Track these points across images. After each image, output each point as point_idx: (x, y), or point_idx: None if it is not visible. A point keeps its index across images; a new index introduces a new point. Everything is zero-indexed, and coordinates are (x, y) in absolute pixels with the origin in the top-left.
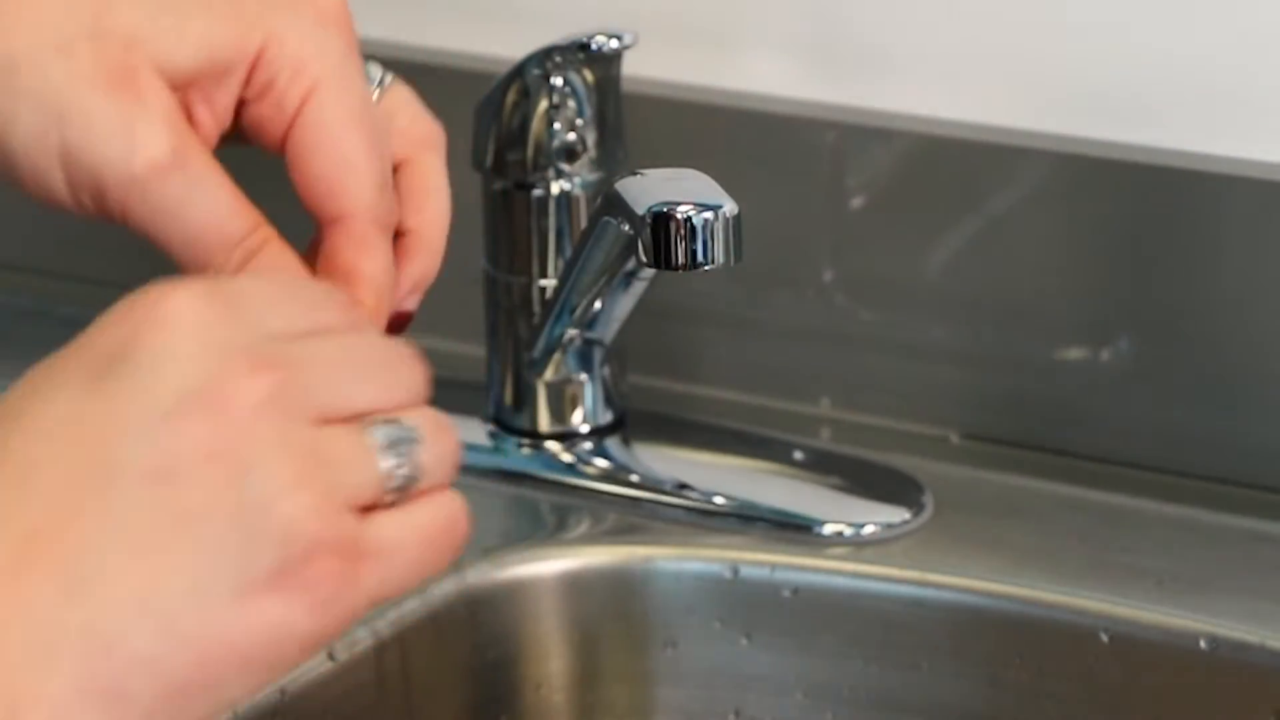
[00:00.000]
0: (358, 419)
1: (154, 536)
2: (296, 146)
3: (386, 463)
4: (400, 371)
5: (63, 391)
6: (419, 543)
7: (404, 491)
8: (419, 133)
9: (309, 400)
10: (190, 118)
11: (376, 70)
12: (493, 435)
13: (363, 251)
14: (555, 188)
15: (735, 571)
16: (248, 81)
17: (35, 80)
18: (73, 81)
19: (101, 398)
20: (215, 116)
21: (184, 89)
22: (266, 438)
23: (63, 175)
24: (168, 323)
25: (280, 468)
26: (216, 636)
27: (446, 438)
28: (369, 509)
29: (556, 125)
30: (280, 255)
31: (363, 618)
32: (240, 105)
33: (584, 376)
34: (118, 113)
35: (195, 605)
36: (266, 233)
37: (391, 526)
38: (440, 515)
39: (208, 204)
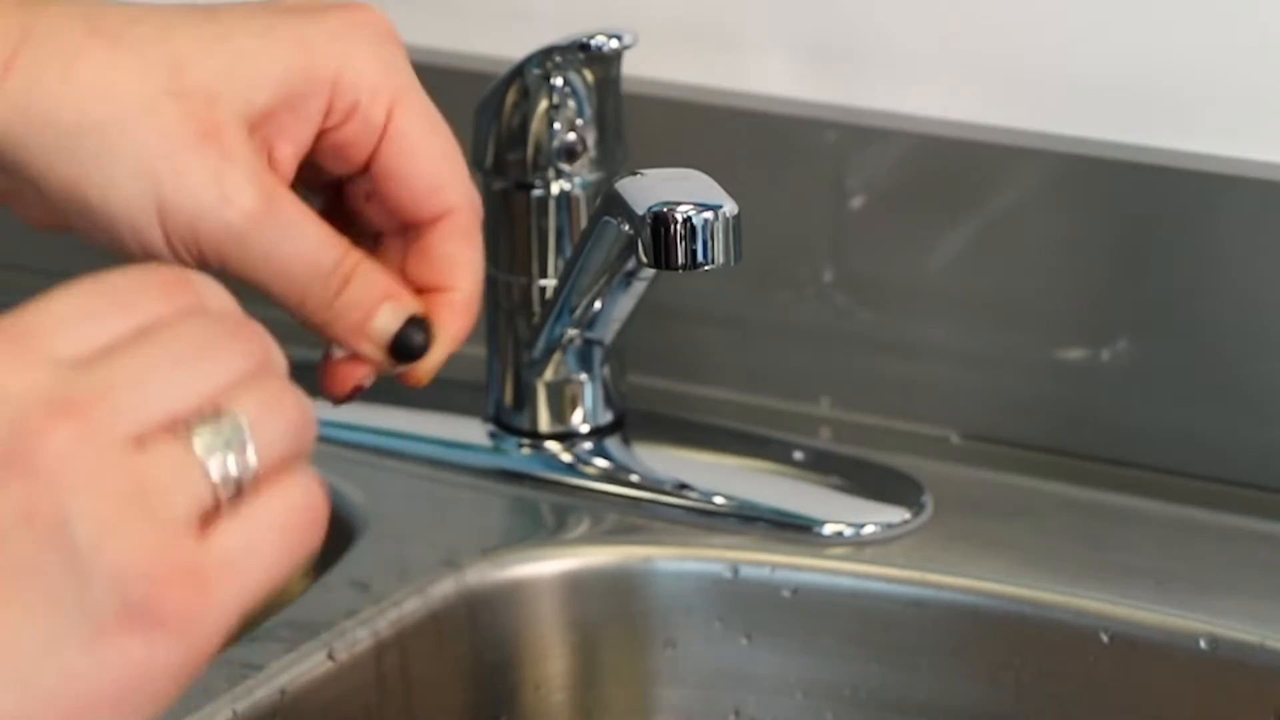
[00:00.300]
0: (179, 423)
1: None
2: (390, 158)
3: (216, 469)
4: (222, 349)
5: None
6: (271, 539)
7: (242, 488)
8: None
9: (118, 426)
10: (272, 155)
11: None
12: (493, 435)
13: (467, 241)
14: (555, 188)
15: (735, 571)
16: (329, 109)
17: (126, 143)
18: (162, 141)
19: None
20: (296, 147)
21: (264, 126)
22: (79, 482)
23: (161, 232)
24: None
25: (100, 509)
26: (80, 688)
27: (282, 413)
28: (211, 516)
29: (556, 125)
30: (372, 275)
31: (227, 634)
32: (321, 132)
33: (584, 376)
34: (208, 168)
35: (51, 661)
36: (355, 257)
37: (236, 534)
38: (289, 502)
39: (299, 243)
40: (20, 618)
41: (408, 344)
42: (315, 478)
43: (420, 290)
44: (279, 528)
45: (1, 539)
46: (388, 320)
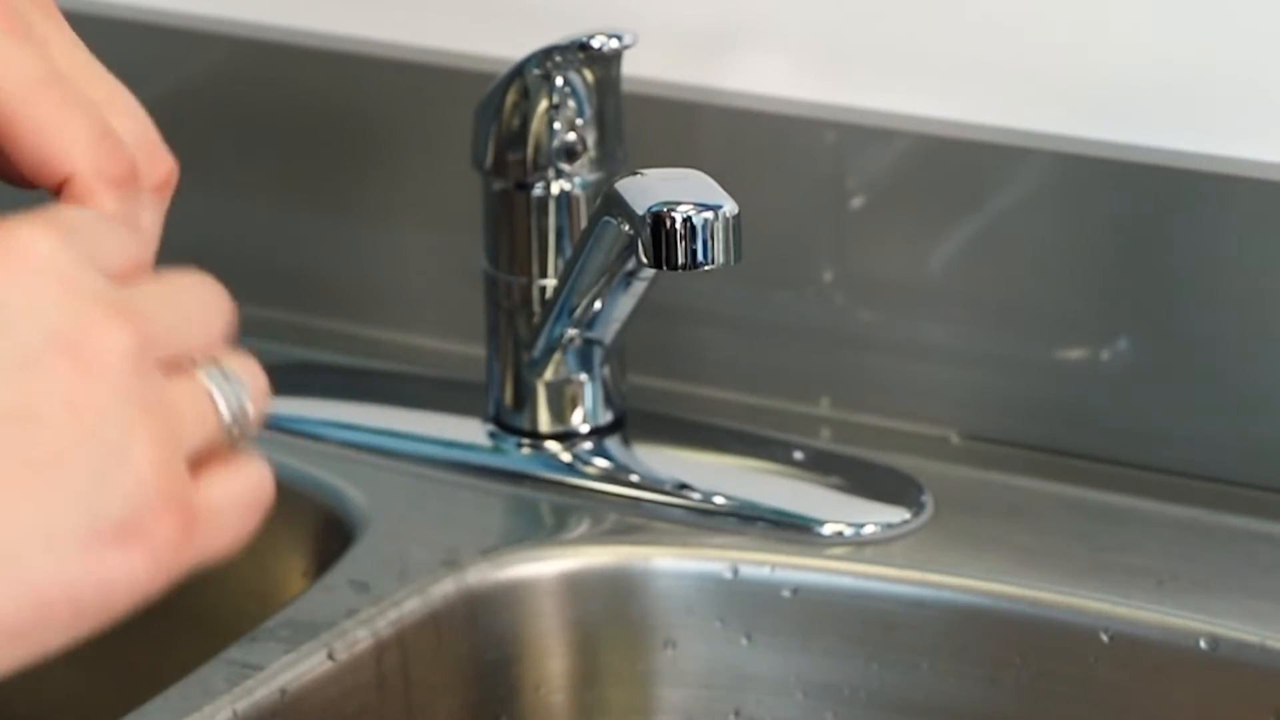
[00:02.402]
0: (191, 365)
1: (7, 478)
2: None
3: (225, 413)
4: (214, 308)
5: None
6: (238, 509)
7: (236, 438)
8: None
9: (157, 350)
10: None
11: None
12: (493, 435)
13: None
14: (555, 188)
15: (735, 571)
16: None
17: None
18: None
19: None
20: None
21: None
22: (126, 390)
23: None
24: (26, 263)
25: (137, 421)
26: (57, 581)
27: (256, 378)
28: (201, 462)
29: (556, 125)
30: None
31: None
32: None
33: (584, 376)
34: None
35: (41, 549)
36: None
37: (219, 490)
38: (254, 481)
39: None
40: (29, 502)
41: None
42: (269, 468)
43: None
44: (246, 500)
45: (38, 420)
46: None
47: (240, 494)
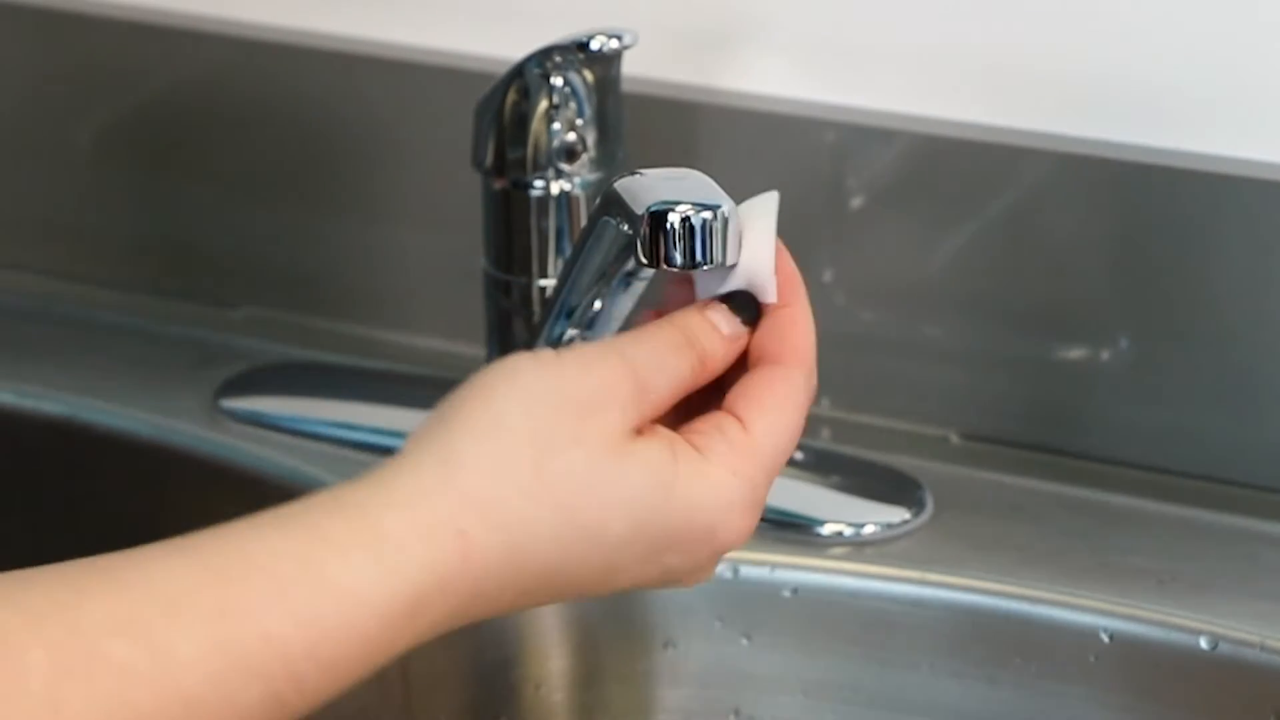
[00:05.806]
0: None
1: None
2: None
3: None
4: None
5: None
6: None
7: None
8: None
9: None
10: None
11: None
12: None
13: None
14: (555, 188)
15: (735, 571)
16: None
17: None
18: None
19: None
20: None
21: None
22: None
23: None
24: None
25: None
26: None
27: None
28: None
29: (556, 125)
30: None
31: None
32: None
33: None
34: None
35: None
36: None
37: None
38: None
39: None
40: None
41: None
42: None
43: None
44: None
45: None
46: None
47: None
